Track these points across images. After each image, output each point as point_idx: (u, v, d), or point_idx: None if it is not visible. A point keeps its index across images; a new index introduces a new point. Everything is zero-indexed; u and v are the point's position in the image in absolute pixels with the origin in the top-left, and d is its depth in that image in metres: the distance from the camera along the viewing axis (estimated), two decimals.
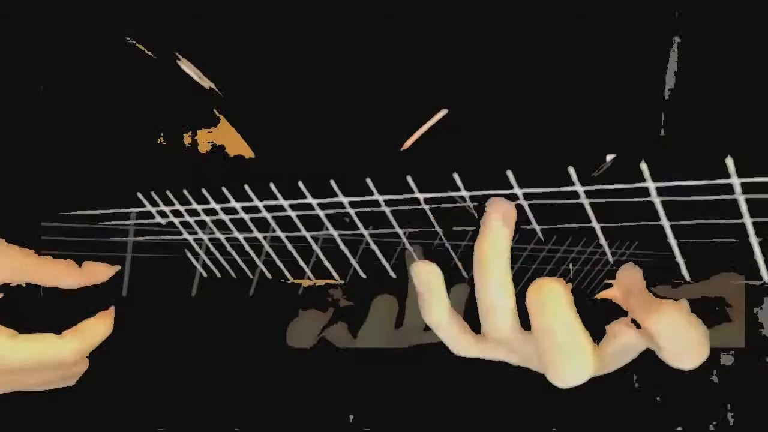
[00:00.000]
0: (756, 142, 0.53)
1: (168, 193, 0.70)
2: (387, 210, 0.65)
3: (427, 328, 0.82)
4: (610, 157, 0.60)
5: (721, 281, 0.60)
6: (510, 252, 0.63)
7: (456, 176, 0.61)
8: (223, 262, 0.74)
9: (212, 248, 0.73)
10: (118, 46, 0.76)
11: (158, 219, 0.72)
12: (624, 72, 0.81)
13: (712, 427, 0.93)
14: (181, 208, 0.70)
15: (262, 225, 0.70)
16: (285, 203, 0.67)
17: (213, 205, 0.69)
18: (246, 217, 0.69)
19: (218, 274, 0.75)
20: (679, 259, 0.59)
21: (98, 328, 0.73)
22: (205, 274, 0.75)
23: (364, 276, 0.72)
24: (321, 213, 0.66)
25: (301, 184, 0.65)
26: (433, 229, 0.65)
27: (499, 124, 0.81)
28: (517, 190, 0.60)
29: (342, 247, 0.70)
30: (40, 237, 0.73)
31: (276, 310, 0.82)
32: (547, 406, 0.91)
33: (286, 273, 0.74)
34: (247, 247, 0.72)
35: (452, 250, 0.67)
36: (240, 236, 0.71)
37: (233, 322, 0.85)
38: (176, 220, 0.72)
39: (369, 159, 0.79)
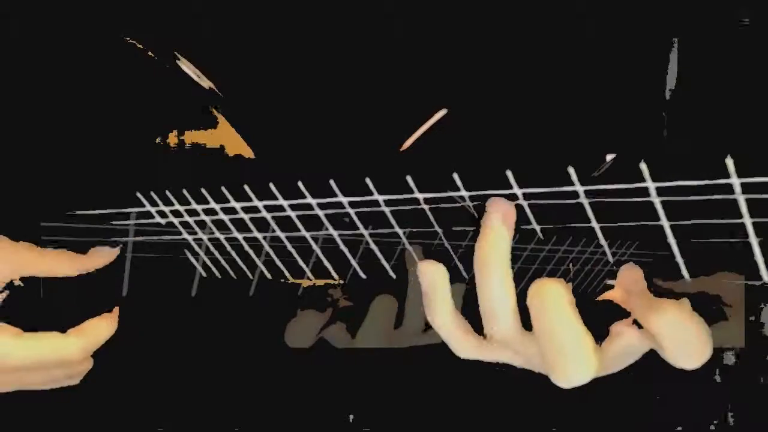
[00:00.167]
0: (756, 142, 0.53)
1: (168, 193, 0.70)
2: (387, 210, 0.65)
3: (426, 330, 0.82)
4: (610, 157, 0.60)
5: (721, 281, 0.60)
6: (510, 252, 0.63)
7: (456, 176, 0.61)
8: (223, 262, 0.74)
9: (212, 248, 0.73)
10: (119, 46, 0.76)
11: (158, 219, 0.72)
12: (624, 72, 0.81)
13: (712, 427, 0.93)
14: (181, 208, 0.70)
15: (262, 225, 0.70)
16: (285, 203, 0.67)
17: (213, 205, 0.69)
18: (246, 217, 0.69)
19: (218, 274, 0.75)
20: (679, 259, 0.59)
21: (102, 327, 0.73)
22: (205, 274, 0.75)
23: (363, 276, 0.72)
24: (321, 213, 0.66)
25: (301, 184, 0.65)
26: (433, 229, 0.65)
27: (499, 124, 0.81)
28: (517, 190, 0.60)
29: (342, 247, 0.70)
30: (40, 237, 0.73)
31: (276, 310, 0.82)
32: (546, 406, 0.91)
33: (286, 273, 0.74)
34: (247, 247, 0.72)
35: (452, 250, 0.67)
36: (240, 236, 0.71)
37: (233, 322, 0.85)
38: (176, 221, 0.72)
39: (369, 159, 0.79)
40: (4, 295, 0.72)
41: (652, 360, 0.66)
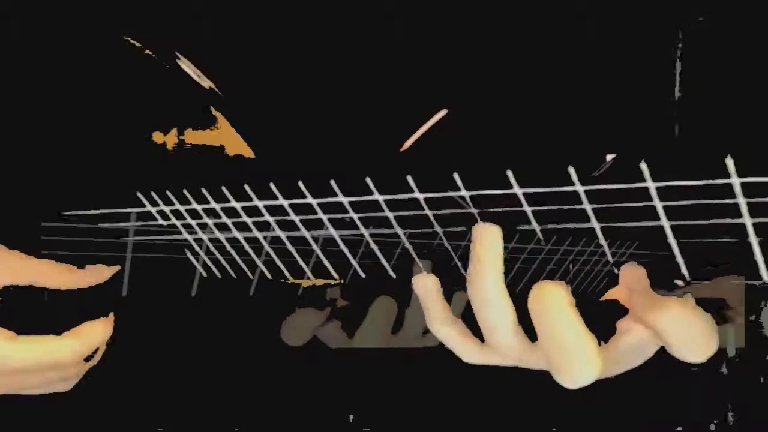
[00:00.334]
0: (756, 142, 0.53)
1: (168, 193, 0.70)
2: (387, 210, 0.65)
3: (425, 332, 0.82)
4: (610, 157, 0.60)
5: (721, 281, 0.60)
6: (503, 267, 0.63)
7: (456, 176, 0.61)
8: (223, 262, 0.74)
9: (212, 248, 0.73)
10: (119, 46, 0.76)
11: (159, 220, 0.72)
12: (624, 72, 0.81)
13: (712, 427, 0.93)
14: (181, 208, 0.70)
15: (262, 225, 0.70)
16: (285, 203, 0.67)
17: (213, 205, 0.69)
18: (246, 217, 0.69)
19: (218, 274, 0.75)
20: (679, 259, 0.59)
21: (97, 330, 0.73)
22: (205, 274, 0.75)
23: (363, 276, 0.72)
24: (321, 213, 0.66)
25: (301, 184, 0.65)
26: (433, 229, 0.65)
27: (498, 124, 0.81)
28: (517, 190, 0.60)
29: (342, 247, 0.70)
30: (40, 237, 0.73)
31: (276, 310, 0.82)
32: (546, 405, 0.91)
33: (286, 273, 0.74)
34: (247, 247, 0.72)
35: (452, 250, 0.67)
36: (240, 236, 0.71)
37: (233, 322, 0.85)
38: (177, 221, 0.72)
39: (369, 159, 0.79)
40: None
41: (651, 360, 0.66)
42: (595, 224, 0.60)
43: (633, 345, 0.65)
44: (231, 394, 0.91)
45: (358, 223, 0.66)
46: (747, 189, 0.53)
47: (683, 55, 0.80)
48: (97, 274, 0.73)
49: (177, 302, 0.77)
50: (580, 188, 0.58)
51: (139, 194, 0.70)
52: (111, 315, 0.74)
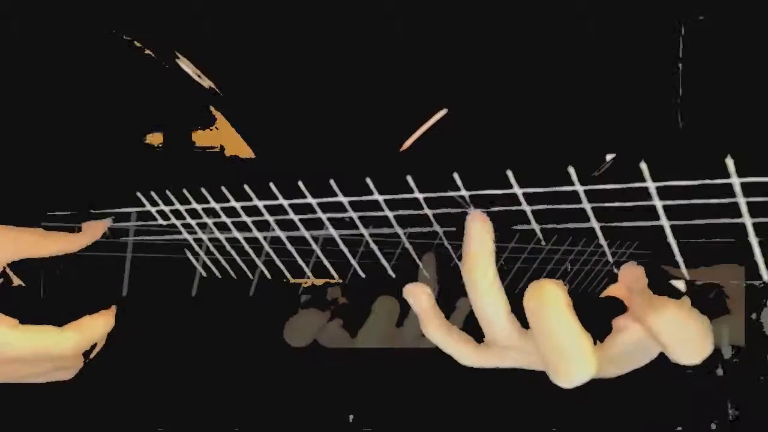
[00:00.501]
0: (756, 142, 0.53)
1: (168, 193, 0.70)
2: (387, 210, 0.65)
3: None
4: (610, 156, 0.60)
5: (719, 268, 0.60)
6: (495, 258, 0.64)
7: (456, 176, 0.61)
8: (223, 262, 0.74)
9: (212, 248, 0.73)
10: (119, 46, 0.76)
11: (158, 219, 0.72)
12: (624, 72, 0.81)
13: (713, 427, 0.93)
14: (181, 208, 0.70)
15: (261, 225, 0.70)
16: (285, 203, 0.67)
17: (213, 205, 0.69)
18: (246, 217, 0.69)
19: (218, 274, 0.75)
20: (679, 259, 0.59)
21: (98, 323, 0.73)
22: (205, 274, 0.75)
23: (363, 276, 0.72)
24: (321, 213, 0.66)
25: (300, 184, 0.65)
26: (433, 229, 0.65)
27: (499, 124, 0.81)
28: (517, 190, 0.60)
29: (342, 246, 0.70)
30: None
31: (276, 310, 0.82)
32: (546, 405, 0.91)
33: (286, 273, 0.74)
34: (247, 247, 0.72)
35: (452, 250, 0.67)
36: (240, 236, 0.71)
37: (233, 322, 0.85)
38: (176, 221, 0.72)
39: (369, 159, 0.79)
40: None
41: (651, 360, 0.66)
42: (594, 224, 0.60)
43: (629, 344, 0.65)
44: (231, 394, 0.91)
45: (358, 223, 0.66)
46: (747, 189, 0.53)
47: (683, 54, 0.80)
48: (92, 231, 0.72)
49: (177, 302, 0.77)
50: (579, 188, 0.58)
51: (139, 194, 0.70)
52: (113, 308, 0.74)
